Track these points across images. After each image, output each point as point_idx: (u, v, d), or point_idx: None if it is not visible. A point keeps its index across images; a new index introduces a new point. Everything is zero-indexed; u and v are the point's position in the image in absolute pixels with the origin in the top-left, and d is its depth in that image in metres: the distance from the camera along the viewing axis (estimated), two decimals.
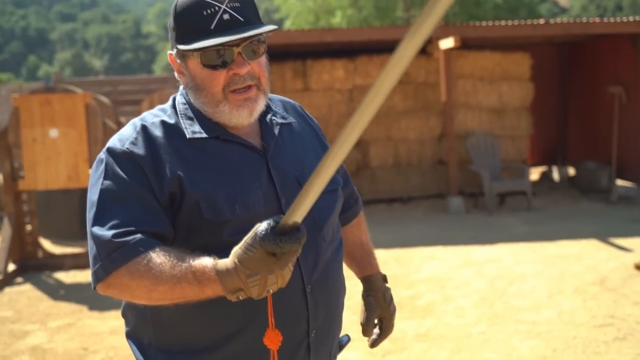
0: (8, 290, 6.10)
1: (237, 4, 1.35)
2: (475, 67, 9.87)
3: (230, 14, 1.34)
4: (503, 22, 9.26)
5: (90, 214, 1.34)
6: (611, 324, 4.41)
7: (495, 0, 20.33)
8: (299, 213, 1.11)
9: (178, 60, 1.42)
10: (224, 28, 1.33)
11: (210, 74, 1.36)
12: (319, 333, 1.45)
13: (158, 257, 1.25)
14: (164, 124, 1.41)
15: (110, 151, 1.37)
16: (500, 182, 9.09)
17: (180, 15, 1.37)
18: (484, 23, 9.33)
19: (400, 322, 4.65)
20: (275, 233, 1.13)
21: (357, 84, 9.67)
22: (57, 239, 8.11)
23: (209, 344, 1.35)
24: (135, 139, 1.37)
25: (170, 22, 1.41)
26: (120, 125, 8.10)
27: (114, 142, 1.39)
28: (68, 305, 5.51)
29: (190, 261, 1.23)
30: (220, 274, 1.19)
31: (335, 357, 1.56)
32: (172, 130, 1.40)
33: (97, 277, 1.29)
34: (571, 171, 11.39)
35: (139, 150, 1.35)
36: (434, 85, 9.80)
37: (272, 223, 1.14)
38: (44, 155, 6.40)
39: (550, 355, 3.95)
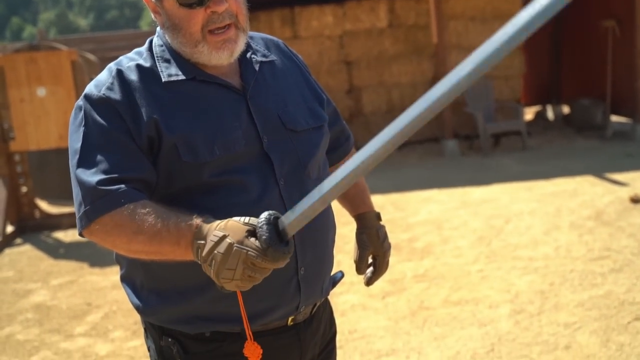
0: (8, 251, 6.12)
1: None
2: (467, 7, 9.71)
3: None
4: None
5: (73, 161, 1.32)
6: (607, 257, 4.46)
7: None
8: (296, 224, 1.14)
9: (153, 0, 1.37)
10: None
11: (188, 13, 1.32)
12: (308, 270, 1.44)
13: (141, 208, 1.24)
14: (139, 67, 1.37)
15: (88, 97, 1.34)
16: (494, 123, 9.06)
17: None
18: None
19: (398, 264, 4.69)
20: (275, 242, 1.12)
21: (347, 29, 9.52)
22: (53, 199, 8.10)
23: (198, 284, 1.35)
24: (112, 84, 1.34)
25: None
26: None
27: (90, 88, 1.36)
28: (69, 264, 5.54)
29: (173, 216, 1.22)
30: (195, 242, 1.19)
31: (327, 293, 1.56)
32: (147, 73, 1.37)
33: (81, 224, 1.29)
34: (565, 109, 11.34)
35: (115, 95, 1.33)
36: (424, 27, 9.66)
37: (272, 234, 1.13)
38: (33, 115, 6.33)
39: (548, 289, 4.00)
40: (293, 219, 1.13)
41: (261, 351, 1.32)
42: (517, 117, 9.10)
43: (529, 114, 11.64)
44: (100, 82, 1.36)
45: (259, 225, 1.13)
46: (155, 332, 1.45)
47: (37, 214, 6.88)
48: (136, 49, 1.45)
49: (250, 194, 1.36)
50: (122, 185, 1.26)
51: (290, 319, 1.44)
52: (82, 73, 6.42)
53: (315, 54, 9.37)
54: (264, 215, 1.14)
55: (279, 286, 1.39)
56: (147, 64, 1.39)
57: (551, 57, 11.53)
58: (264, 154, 1.40)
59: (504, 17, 9.86)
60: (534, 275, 4.26)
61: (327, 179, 1.09)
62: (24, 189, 6.85)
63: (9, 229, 6.51)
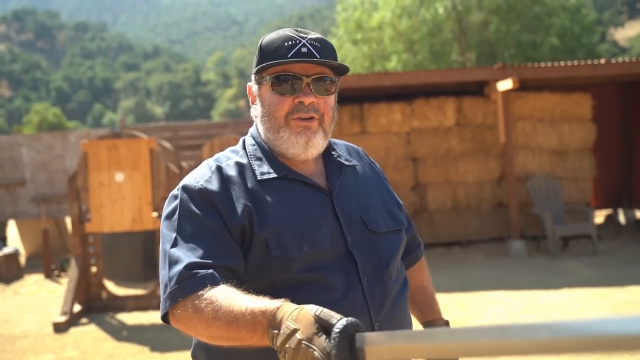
0: (74, 330, 6.25)
1: (317, 43, 1.45)
2: (535, 108, 9.75)
3: (309, 48, 1.43)
4: (562, 63, 9.15)
5: (165, 245, 1.39)
6: None
7: (553, 42, 20.15)
8: (380, 353, 1.08)
9: (254, 88, 1.51)
10: (300, 57, 1.42)
11: (278, 99, 1.44)
12: None
13: (221, 293, 1.26)
14: (237, 164, 1.48)
15: (186, 188, 1.43)
16: (563, 225, 8.84)
17: (265, 46, 1.47)
18: (542, 64, 9.24)
19: None
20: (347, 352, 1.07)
21: (414, 126, 9.68)
22: (120, 281, 8.30)
23: None
24: (210, 177, 1.44)
25: (255, 55, 1.51)
26: (182, 169, 8.33)
27: (189, 180, 1.45)
28: (130, 346, 5.60)
29: (253, 302, 1.23)
30: (270, 331, 1.17)
31: None
32: (244, 169, 1.47)
33: (165, 305, 1.33)
34: (638, 214, 10.99)
35: (213, 187, 1.41)
36: (492, 127, 9.72)
37: (341, 350, 1.06)
38: (110, 199, 6.62)
39: None
40: (379, 347, 1.06)
41: None
42: (587, 219, 8.87)
43: (599, 217, 11.33)
44: (199, 175, 1.45)
45: (335, 332, 1.08)
46: None
47: (104, 294, 7.05)
48: (231, 147, 1.56)
49: (335, 292, 1.38)
50: (209, 270, 1.31)
51: None
52: (159, 160, 6.72)
53: (383, 149, 9.52)
54: (343, 322, 1.09)
55: None
56: (243, 160, 1.49)
57: (622, 159, 11.32)
58: (348, 253, 1.43)
59: (573, 119, 9.86)
60: None
61: (440, 330, 1.04)
62: (94, 269, 7.07)
63: (76, 307, 6.67)
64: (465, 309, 6.19)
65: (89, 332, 6.15)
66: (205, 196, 1.40)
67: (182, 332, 1.36)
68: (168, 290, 1.32)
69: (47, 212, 9.96)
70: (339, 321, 1.09)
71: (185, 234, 1.37)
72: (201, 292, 1.28)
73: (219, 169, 1.45)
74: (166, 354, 5.31)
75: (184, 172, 8.69)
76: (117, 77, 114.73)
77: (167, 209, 1.45)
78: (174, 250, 1.36)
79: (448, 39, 20.31)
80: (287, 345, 1.11)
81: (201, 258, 1.33)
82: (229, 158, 1.50)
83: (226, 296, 1.26)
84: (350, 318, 1.09)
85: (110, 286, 7.80)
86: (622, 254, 8.65)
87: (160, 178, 6.72)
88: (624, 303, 6.02)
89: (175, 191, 1.46)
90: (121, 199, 6.63)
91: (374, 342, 1.07)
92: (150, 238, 8.29)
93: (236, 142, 1.63)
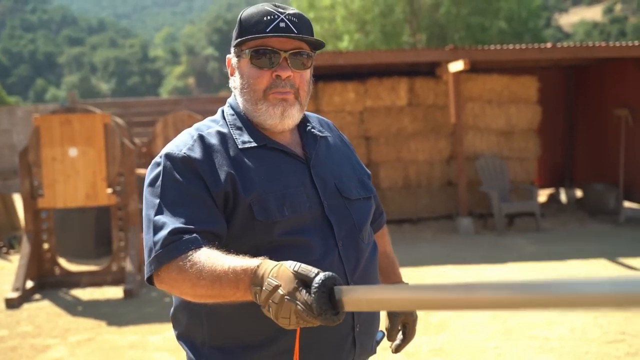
0: (27, 306, 6.20)
1: (294, 19, 1.53)
2: (484, 89, 10.03)
3: (286, 24, 1.51)
4: (511, 46, 9.44)
5: (149, 211, 1.46)
6: (623, 340, 4.49)
7: (501, 25, 20.59)
8: (355, 305, 1.18)
9: (234, 60, 1.58)
10: (278, 32, 1.50)
11: (257, 72, 1.53)
12: (362, 327, 1.56)
13: (204, 254, 1.35)
14: (219, 133, 1.55)
15: (169, 156, 1.50)
16: (509, 203, 9.19)
17: (244, 20, 1.54)
18: (492, 47, 9.50)
19: (415, 337, 4.73)
20: (329, 305, 1.16)
21: (368, 105, 9.83)
22: (72, 257, 8.22)
23: (262, 339, 1.46)
24: (192, 145, 1.50)
25: (235, 28, 1.58)
26: (135, 146, 8.26)
27: (171, 147, 1.52)
28: (87, 321, 5.60)
29: (235, 261, 1.31)
30: (252, 288, 1.25)
31: (374, 352, 1.66)
32: (225, 138, 1.54)
33: (150, 268, 1.40)
34: (579, 193, 11.48)
35: (196, 154, 1.48)
36: (443, 107, 9.96)
37: (322, 302, 1.15)
38: (63, 174, 6.54)
39: None
40: (355, 298, 1.15)
41: None
42: (531, 198, 9.24)
43: (543, 196, 11.78)
44: (181, 143, 1.52)
45: (315, 286, 1.16)
46: None
47: (57, 270, 6.99)
48: (210, 117, 1.63)
49: (314, 253, 1.49)
50: (193, 235, 1.39)
51: None
52: (114, 136, 6.66)
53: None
54: (321, 276, 1.17)
55: (338, 342, 1.51)
56: (224, 129, 1.57)
57: (566, 141, 11.78)
58: (325, 218, 1.54)
59: (520, 101, 10.18)
60: (549, 354, 4.29)
61: (411, 285, 1.14)
62: (46, 246, 6.99)
63: (29, 284, 6.61)
64: (416, 282, 6.41)
65: (43, 308, 6.11)
66: (188, 164, 1.47)
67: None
68: (153, 254, 1.39)
69: None
70: (317, 275, 1.17)
71: (169, 200, 1.44)
72: (185, 254, 1.36)
73: (201, 137, 1.52)
74: (123, 327, 5.34)
75: (136, 149, 8.61)
76: (60, 51, 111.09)
77: (149, 175, 1.51)
78: (158, 216, 1.43)
79: (399, 20, 20.50)
80: (270, 301, 1.20)
81: (185, 223, 1.40)
82: (210, 127, 1.57)
83: (209, 257, 1.34)
84: (327, 272, 1.18)
85: (63, 263, 7.72)
86: (562, 230, 9.06)
87: (115, 153, 6.67)
88: (563, 275, 6.35)
89: (157, 159, 1.52)
90: (75, 174, 6.57)
91: (351, 294, 1.16)
92: (103, 214, 8.22)
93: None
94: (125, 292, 6.35)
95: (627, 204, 10.09)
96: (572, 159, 11.75)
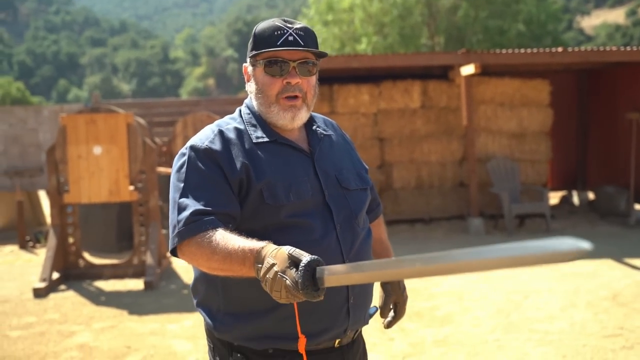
0: (53, 295, 6.52)
1: (301, 32, 1.78)
2: (496, 92, 10.22)
3: (294, 37, 1.77)
4: (523, 50, 9.61)
5: (175, 194, 1.73)
6: (620, 335, 4.68)
7: (520, 28, 20.68)
8: (334, 281, 1.43)
9: (250, 69, 1.84)
10: (287, 45, 1.75)
11: (270, 80, 1.78)
12: (356, 300, 1.82)
13: (219, 234, 1.61)
14: (236, 129, 1.82)
15: (193, 147, 1.77)
16: (519, 204, 9.37)
17: (258, 34, 1.80)
18: (504, 51, 9.68)
19: (420, 329, 4.97)
20: (310, 284, 1.39)
21: (382, 108, 10.06)
22: (95, 251, 8.55)
23: (268, 306, 1.71)
24: (213, 139, 1.77)
25: (250, 41, 1.84)
26: (156, 144, 8.57)
27: (195, 140, 1.79)
28: (109, 310, 5.91)
29: (244, 242, 1.57)
30: (255, 265, 1.51)
31: (367, 322, 1.91)
32: (241, 133, 1.81)
33: (174, 242, 1.67)
34: (590, 195, 11.60)
35: (216, 147, 1.75)
36: (455, 110, 10.17)
37: (305, 280, 1.39)
38: (88, 171, 6.86)
39: None
40: (333, 276, 1.38)
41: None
42: (541, 199, 9.41)
43: (555, 198, 11.92)
44: (204, 137, 1.78)
45: (301, 266, 1.39)
46: (224, 349, 1.80)
47: (81, 263, 7.32)
48: (229, 115, 1.90)
49: (315, 234, 1.74)
50: (211, 216, 1.65)
51: (337, 341, 1.80)
52: (136, 135, 6.97)
53: (351, 129, 9.89)
54: (307, 258, 1.40)
55: (334, 310, 1.76)
56: (241, 126, 1.83)
57: (577, 144, 11.90)
58: (325, 205, 1.80)
59: (532, 104, 10.35)
60: (548, 347, 4.50)
61: (372, 262, 1.39)
62: (71, 240, 7.32)
63: (55, 275, 6.93)
64: (425, 278, 6.63)
65: (68, 298, 6.43)
66: (210, 154, 1.73)
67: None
68: (177, 231, 1.66)
69: (20, 185, 10.10)
70: (305, 258, 1.43)
71: (192, 185, 1.70)
72: (203, 233, 1.62)
73: (221, 132, 1.78)
74: (144, 316, 5.64)
75: (157, 148, 8.93)
76: (82, 52, 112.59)
77: (176, 163, 1.78)
78: (182, 199, 1.69)
79: (418, 23, 20.70)
80: (267, 276, 1.46)
81: (205, 205, 1.66)
82: (229, 124, 1.83)
83: (223, 237, 1.60)
84: (313, 256, 1.44)
85: (87, 256, 8.05)
86: (572, 231, 9.20)
87: (137, 152, 6.97)
88: (569, 274, 6.53)
89: (183, 150, 1.79)
90: (99, 171, 6.88)
91: (330, 273, 1.42)
92: (125, 210, 8.54)
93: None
94: (146, 284, 6.66)
95: (637, 206, 10.21)
96: (585, 162, 11.87)
